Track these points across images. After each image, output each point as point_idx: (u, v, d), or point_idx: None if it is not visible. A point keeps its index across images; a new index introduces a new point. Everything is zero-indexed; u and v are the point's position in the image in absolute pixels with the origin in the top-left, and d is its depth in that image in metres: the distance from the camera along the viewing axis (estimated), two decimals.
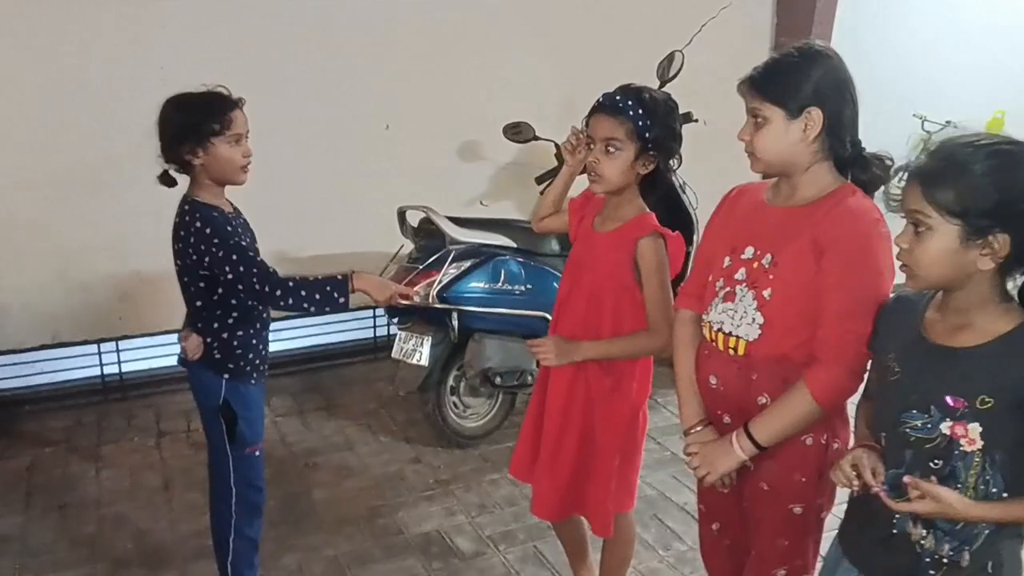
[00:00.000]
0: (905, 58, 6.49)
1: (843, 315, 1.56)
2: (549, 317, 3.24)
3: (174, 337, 3.83)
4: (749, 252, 1.70)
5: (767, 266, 1.66)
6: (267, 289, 2.05)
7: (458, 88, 4.27)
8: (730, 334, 1.70)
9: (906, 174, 1.37)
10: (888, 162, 1.62)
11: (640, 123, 1.96)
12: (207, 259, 2.07)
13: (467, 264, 3.27)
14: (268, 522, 2.53)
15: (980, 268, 1.31)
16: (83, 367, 3.90)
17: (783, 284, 1.63)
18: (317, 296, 2.05)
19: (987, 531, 1.38)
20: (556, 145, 3.91)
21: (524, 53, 4.37)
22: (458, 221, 3.38)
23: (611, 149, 1.98)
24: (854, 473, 1.44)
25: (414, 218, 3.49)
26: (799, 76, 1.60)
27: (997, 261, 1.30)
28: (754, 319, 1.65)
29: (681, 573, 2.74)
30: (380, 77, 4.11)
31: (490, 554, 2.83)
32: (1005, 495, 1.35)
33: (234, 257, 2.06)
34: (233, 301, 2.17)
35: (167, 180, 2.17)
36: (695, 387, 1.82)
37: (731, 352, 1.70)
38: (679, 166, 2.10)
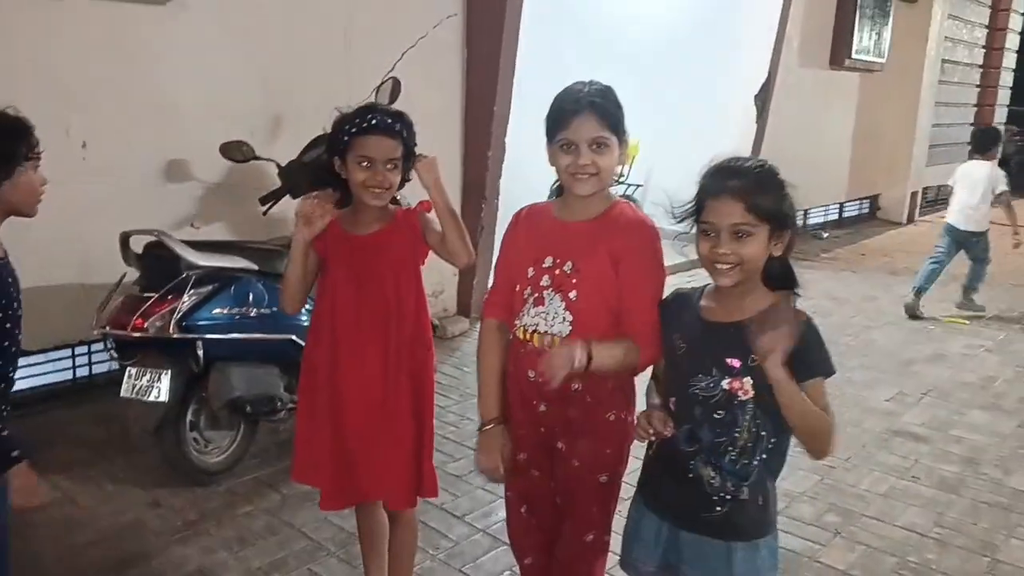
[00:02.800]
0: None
1: (648, 306, 1.88)
2: (295, 339, 3.28)
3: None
4: (549, 261, 1.94)
5: (569, 272, 1.91)
6: None
7: (159, 107, 4.02)
8: (545, 333, 1.92)
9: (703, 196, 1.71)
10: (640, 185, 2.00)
11: (409, 142, 2.22)
12: None
13: (208, 289, 3.12)
14: None
15: (773, 255, 1.69)
16: None
17: (586, 286, 1.90)
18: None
19: (757, 468, 1.74)
20: (277, 165, 3.87)
21: (229, 70, 4.24)
22: (193, 244, 3.21)
23: (390, 167, 2.19)
24: (651, 428, 1.75)
25: (138, 244, 3.24)
26: (621, 106, 1.91)
27: (783, 250, 1.69)
28: (564, 318, 1.91)
29: (455, 568, 2.90)
30: (74, 93, 3.73)
31: None
32: (773, 440, 1.73)
33: None
34: None
35: None
36: (498, 385, 2.03)
37: (547, 348, 1.91)
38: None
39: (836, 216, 10.51)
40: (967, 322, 6.29)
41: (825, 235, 9.76)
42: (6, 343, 1.91)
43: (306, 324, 3.42)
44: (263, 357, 3.29)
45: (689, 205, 1.76)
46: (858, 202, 10.96)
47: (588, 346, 1.82)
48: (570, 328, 1.90)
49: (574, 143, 1.87)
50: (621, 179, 8.79)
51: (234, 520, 3.12)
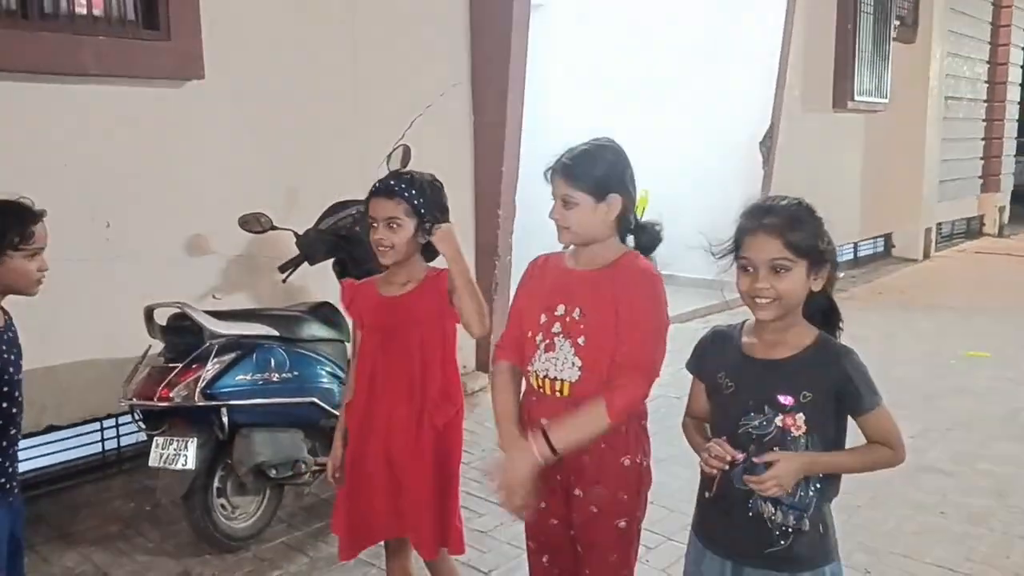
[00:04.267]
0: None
1: (635, 349, 1.94)
2: (318, 402, 3.36)
3: None
4: (561, 309, 2.03)
5: (578, 318, 1.99)
6: None
7: (178, 184, 4.18)
8: (555, 379, 2.00)
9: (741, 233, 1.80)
10: (657, 227, 2.06)
11: (416, 201, 2.31)
12: None
13: (231, 357, 3.21)
14: None
15: (813, 290, 1.76)
16: None
17: (593, 332, 1.97)
18: None
19: (815, 499, 1.79)
20: (295, 234, 3.99)
21: (244, 147, 4.41)
22: (214, 314, 3.31)
23: (393, 226, 2.30)
24: (718, 459, 1.78)
25: (162, 316, 3.34)
26: (602, 166, 1.99)
27: (823, 284, 1.75)
28: (573, 363, 1.98)
29: None
30: (97, 175, 3.90)
31: None
32: None
33: None
34: None
35: None
36: (515, 424, 2.07)
37: (557, 394, 2.00)
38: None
39: (851, 256, 10.52)
40: (989, 354, 6.26)
41: (840, 275, 9.75)
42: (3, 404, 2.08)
43: (327, 386, 3.52)
44: (287, 421, 3.36)
45: (728, 243, 1.85)
46: (872, 241, 10.98)
47: (545, 438, 1.90)
48: (579, 373, 1.97)
49: (554, 198, 2.04)
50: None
51: None
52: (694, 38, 8.34)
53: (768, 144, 8.24)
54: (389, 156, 4.02)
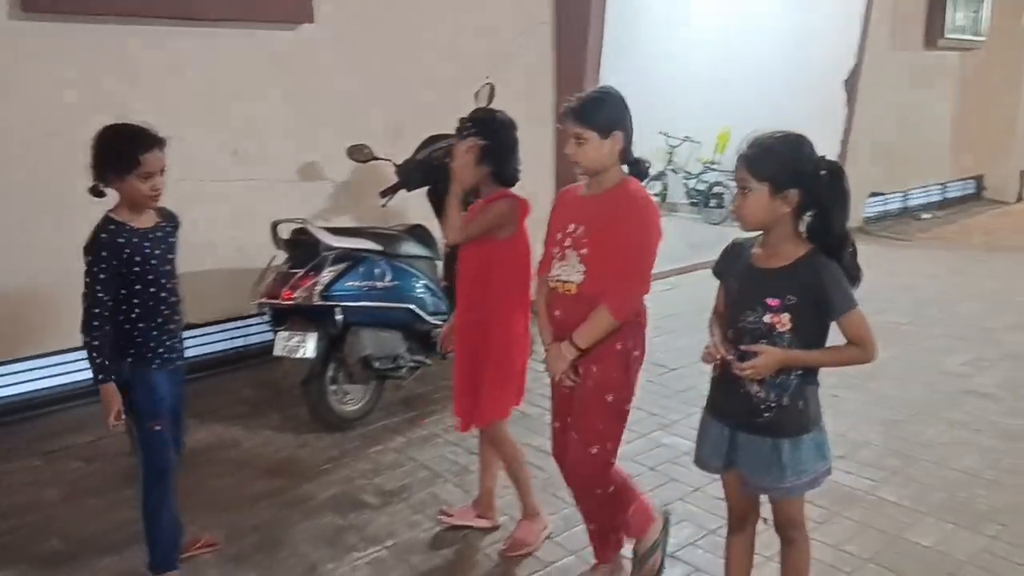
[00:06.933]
0: (652, 91, 7.93)
1: (626, 263, 2.42)
2: (414, 308, 3.92)
3: (42, 361, 4.01)
4: (571, 227, 2.52)
5: (582, 234, 2.48)
6: (81, 324, 2.52)
7: (294, 117, 4.75)
8: (565, 281, 2.50)
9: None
10: (646, 163, 2.57)
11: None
12: None
13: (342, 266, 3.78)
14: (180, 508, 2.83)
15: (783, 212, 2.11)
16: None
17: (594, 244, 2.46)
18: (90, 364, 2.52)
19: (795, 381, 2.18)
20: (394, 164, 4.51)
21: (351, 84, 4.94)
22: (329, 230, 3.87)
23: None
24: (718, 353, 2.22)
25: (285, 231, 3.93)
26: (606, 109, 2.45)
27: (791, 208, 2.11)
28: (578, 268, 2.47)
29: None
30: (225, 109, 4.50)
31: (395, 502, 3.36)
32: None
33: (87, 280, 2.51)
34: (134, 301, 2.58)
35: (96, 192, 2.55)
36: (548, 322, 2.62)
37: (568, 293, 2.50)
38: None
39: (939, 198, 10.43)
40: None
41: (926, 216, 9.77)
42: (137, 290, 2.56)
43: (421, 295, 4.08)
44: (388, 323, 3.93)
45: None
46: (962, 183, 10.82)
47: (571, 340, 2.45)
48: (582, 277, 2.46)
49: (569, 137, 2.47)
50: (714, 164, 9.13)
51: (368, 456, 3.76)
52: None
53: (852, 82, 8.27)
54: (477, 93, 4.47)
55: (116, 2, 4.08)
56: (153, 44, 4.24)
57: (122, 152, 2.49)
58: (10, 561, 2.97)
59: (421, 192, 4.45)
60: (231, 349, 4.78)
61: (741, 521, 2.42)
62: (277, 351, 3.78)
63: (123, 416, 2.56)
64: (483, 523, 3.14)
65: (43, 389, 4.14)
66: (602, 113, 2.44)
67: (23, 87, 3.92)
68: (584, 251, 2.46)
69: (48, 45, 3.94)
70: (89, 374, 2.55)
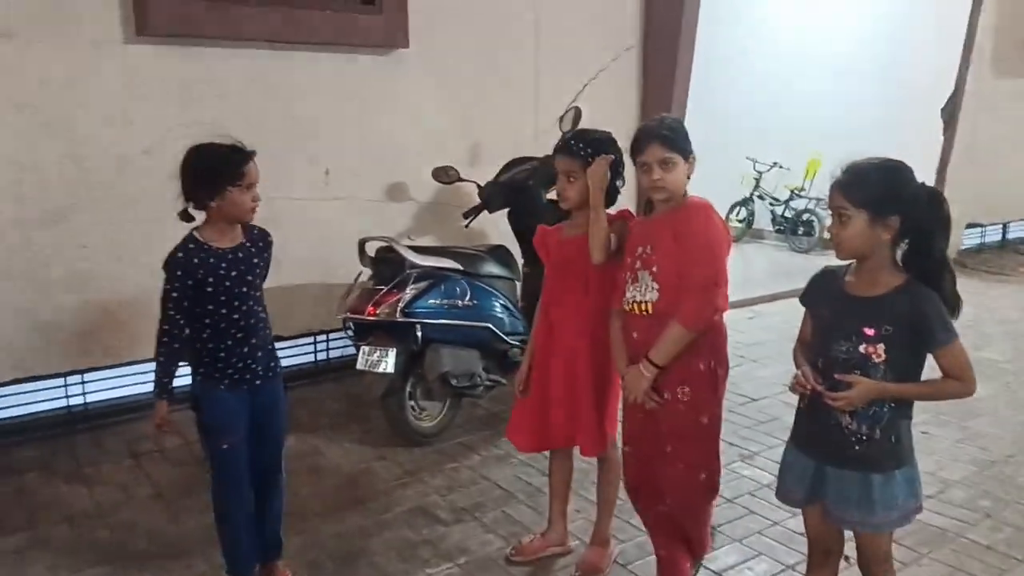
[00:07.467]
0: (738, 116, 7.84)
1: (695, 274, 2.40)
2: (493, 328, 3.96)
3: (136, 368, 4.20)
4: (639, 250, 2.54)
5: (651, 252, 2.49)
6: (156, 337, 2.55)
7: (383, 139, 4.89)
8: (641, 302, 2.50)
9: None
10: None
11: (590, 159, 2.72)
12: None
13: (425, 284, 3.85)
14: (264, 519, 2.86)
15: (882, 239, 2.06)
16: (49, 400, 4.14)
17: (663, 260, 2.46)
18: (155, 375, 2.55)
19: (888, 414, 2.12)
20: (477, 185, 4.58)
21: (437, 108, 5.05)
22: (414, 249, 3.96)
23: (571, 179, 2.76)
24: (807, 383, 2.17)
25: (371, 249, 4.04)
26: (685, 134, 2.51)
27: (891, 235, 2.06)
28: (652, 287, 2.47)
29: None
30: (318, 129, 4.67)
31: (468, 519, 3.38)
32: None
33: (161, 297, 2.52)
34: (205, 320, 2.57)
35: (186, 217, 2.54)
36: (624, 348, 2.61)
37: (644, 313, 2.50)
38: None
39: None
40: None
41: None
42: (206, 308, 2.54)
43: (500, 316, 4.12)
44: (467, 341, 3.98)
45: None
46: None
47: (647, 358, 2.45)
48: (657, 295, 2.46)
49: (647, 164, 2.46)
50: (801, 192, 8.94)
51: (443, 472, 3.81)
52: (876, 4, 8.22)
53: (950, 110, 8.00)
54: (562, 118, 4.52)
55: (227, 27, 4.25)
56: (253, 67, 4.44)
57: (222, 167, 2.47)
58: (103, 559, 3.11)
59: (502, 214, 4.51)
60: (313, 363, 4.92)
61: (824, 556, 2.36)
62: (359, 365, 3.88)
63: (166, 427, 2.60)
64: (556, 550, 3.12)
65: (137, 394, 4.33)
66: (685, 136, 2.50)
67: (125, 107, 4.12)
68: (655, 268, 2.47)
69: (155, 67, 4.16)
70: (180, 382, 2.57)
